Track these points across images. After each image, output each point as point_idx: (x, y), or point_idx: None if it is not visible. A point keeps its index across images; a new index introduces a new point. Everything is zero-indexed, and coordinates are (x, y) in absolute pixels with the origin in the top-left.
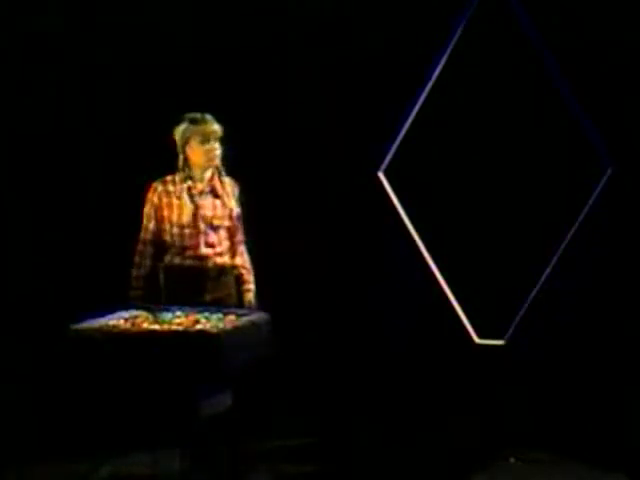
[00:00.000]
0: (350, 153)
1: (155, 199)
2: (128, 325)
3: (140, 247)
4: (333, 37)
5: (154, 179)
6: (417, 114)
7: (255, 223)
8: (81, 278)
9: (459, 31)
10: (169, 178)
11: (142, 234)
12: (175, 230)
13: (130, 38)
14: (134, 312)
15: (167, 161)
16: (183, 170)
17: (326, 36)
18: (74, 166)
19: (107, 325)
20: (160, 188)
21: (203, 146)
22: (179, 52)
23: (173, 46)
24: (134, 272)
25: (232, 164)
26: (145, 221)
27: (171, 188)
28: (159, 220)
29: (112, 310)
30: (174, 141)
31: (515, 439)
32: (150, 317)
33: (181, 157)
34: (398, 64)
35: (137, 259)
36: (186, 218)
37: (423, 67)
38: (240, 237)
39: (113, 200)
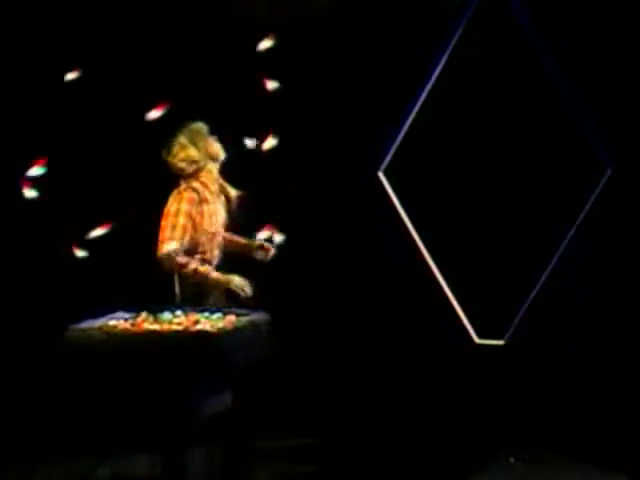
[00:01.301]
0: (350, 153)
1: (194, 211)
2: (128, 325)
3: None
4: (333, 37)
5: (155, 179)
6: (417, 114)
7: (254, 223)
8: (81, 278)
9: (459, 31)
10: (199, 185)
11: (177, 244)
12: (202, 237)
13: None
14: (134, 312)
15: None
16: (199, 177)
17: (326, 36)
18: (78, 165)
19: (107, 325)
20: (198, 198)
21: (215, 141)
22: (177, 52)
23: (171, 48)
24: (190, 267)
25: (232, 165)
26: (187, 236)
27: (207, 195)
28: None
29: (112, 310)
30: (183, 158)
31: (515, 439)
32: (150, 317)
33: (207, 162)
34: (398, 64)
35: (180, 260)
36: (219, 223)
37: (423, 67)
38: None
39: (113, 199)
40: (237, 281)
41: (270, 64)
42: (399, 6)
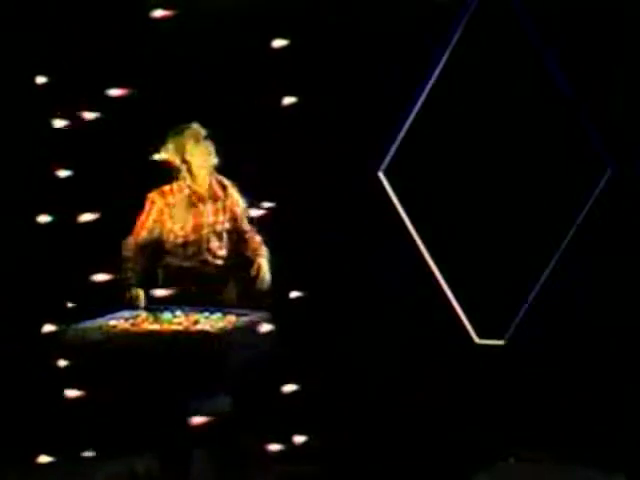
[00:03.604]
0: (350, 153)
1: (155, 212)
2: (128, 325)
3: (132, 250)
4: (333, 36)
5: (150, 182)
6: (417, 114)
7: (254, 224)
8: (81, 278)
9: (459, 31)
10: (167, 189)
11: (133, 239)
12: (179, 240)
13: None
14: (134, 312)
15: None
16: (184, 179)
17: (326, 36)
18: (80, 162)
19: (107, 325)
20: (160, 202)
21: (199, 146)
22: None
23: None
24: (128, 265)
25: (231, 165)
26: (143, 232)
27: (171, 199)
28: (160, 232)
29: (112, 310)
30: (163, 159)
31: (515, 439)
32: (150, 317)
33: (184, 167)
34: (398, 64)
35: (129, 255)
36: (189, 228)
37: (423, 67)
38: (249, 231)
39: (112, 199)
40: (133, 294)
41: (269, 64)
42: (399, 5)
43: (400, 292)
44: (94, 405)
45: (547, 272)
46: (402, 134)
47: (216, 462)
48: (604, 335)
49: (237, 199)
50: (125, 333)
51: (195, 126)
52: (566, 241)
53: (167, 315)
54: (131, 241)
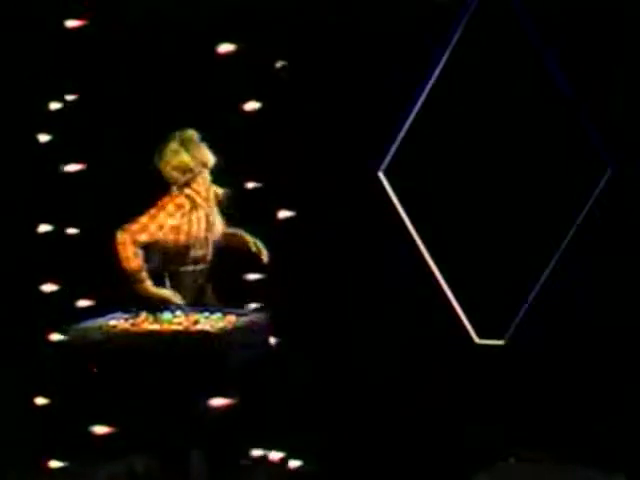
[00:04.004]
0: (350, 153)
1: (179, 217)
2: (128, 325)
3: (137, 247)
4: (333, 37)
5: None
6: (417, 114)
7: (254, 224)
8: (80, 277)
9: (459, 31)
10: (192, 194)
11: (147, 236)
12: (192, 242)
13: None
14: (134, 312)
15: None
16: (203, 181)
17: (326, 36)
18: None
19: (107, 325)
20: (188, 205)
21: (204, 148)
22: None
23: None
24: (136, 263)
25: (230, 165)
26: (159, 233)
27: (197, 204)
28: (173, 237)
29: (112, 310)
30: (185, 164)
31: (515, 439)
32: (150, 317)
33: (205, 170)
34: (398, 64)
35: (136, 251)
36: (204, 229)
37: (423, 67)
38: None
39: (109, 200)
40: (169, 296)
41: (269, 63)
42: (399, 5)
43: (400, 292)
44: (94, 405)
45: (547, 272)
46: (402, 134)
47: (215, 462)
48: (604, 335)
49: (219, 195)
50: (125, 333)
51: (190, 130)
52: (566, 241)
53: (167, 315)
54: (142, 238)
